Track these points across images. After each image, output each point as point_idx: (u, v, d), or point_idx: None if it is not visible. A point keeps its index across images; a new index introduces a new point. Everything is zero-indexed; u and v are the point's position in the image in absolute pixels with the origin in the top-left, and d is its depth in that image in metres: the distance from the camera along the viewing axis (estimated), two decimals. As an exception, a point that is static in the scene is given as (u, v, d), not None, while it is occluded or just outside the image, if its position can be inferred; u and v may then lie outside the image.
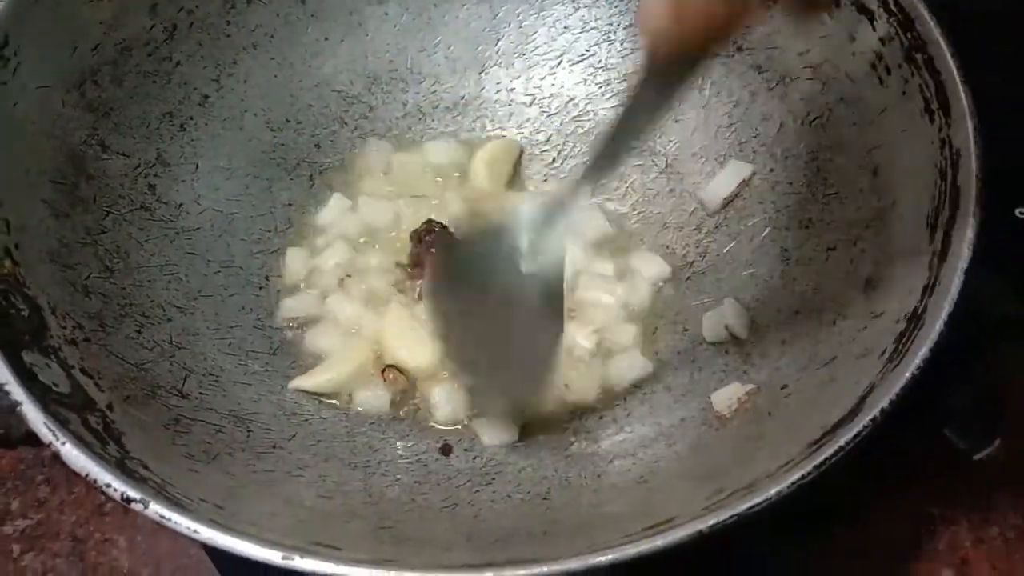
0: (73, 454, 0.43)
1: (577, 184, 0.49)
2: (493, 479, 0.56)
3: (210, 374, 0.58)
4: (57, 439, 0.43)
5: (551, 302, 0.50)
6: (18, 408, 0.43)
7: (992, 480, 0.65)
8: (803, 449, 0.45)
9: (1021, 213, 0.70)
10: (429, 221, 0.66)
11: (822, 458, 0.43)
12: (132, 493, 0.41)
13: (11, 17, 0.55)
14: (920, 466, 0.64)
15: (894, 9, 0.58)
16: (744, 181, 0.68)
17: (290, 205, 0.70)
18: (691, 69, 0.42)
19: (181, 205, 0.65)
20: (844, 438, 0.43)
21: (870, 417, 0.44)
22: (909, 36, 0.57)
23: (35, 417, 0.43)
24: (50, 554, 0.65)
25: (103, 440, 0.45)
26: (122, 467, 0.44)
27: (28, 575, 0.64)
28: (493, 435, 0.59)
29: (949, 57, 0.55)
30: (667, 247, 0.69)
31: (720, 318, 0.64)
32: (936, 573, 0.62)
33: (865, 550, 0.62)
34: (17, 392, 0.44)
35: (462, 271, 0.54)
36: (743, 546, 0.57)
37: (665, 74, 0.42)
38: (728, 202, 0.68)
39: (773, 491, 0.42)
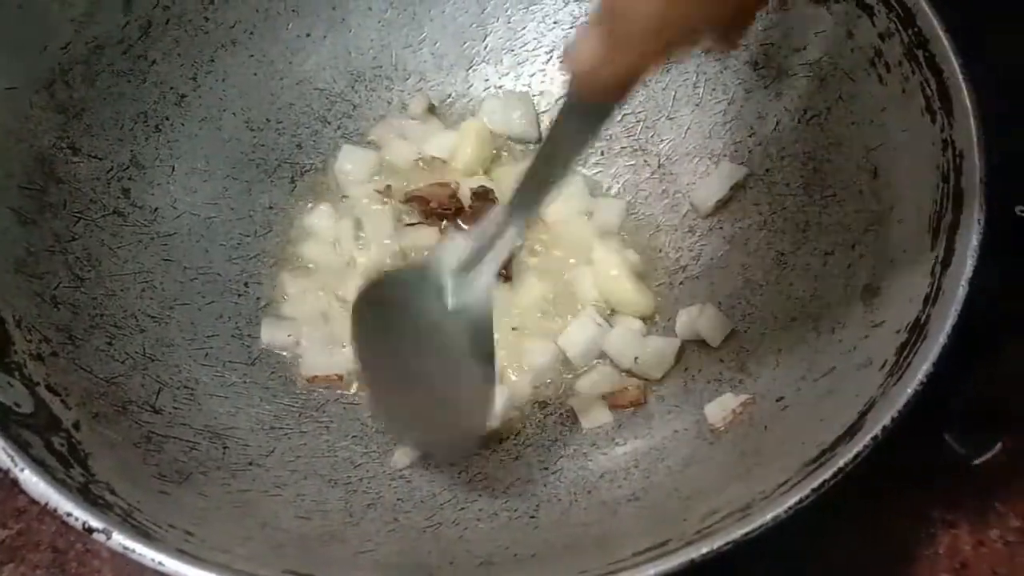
0: (32, 481, 0.41)
1: (500, 222, 0.48)
2: (480, 495, 0.54)
3: (185, 387, 0.56)
4: (16, 465, 0.41)
5: (478, 344, 0.49)
6: (-25, 432, 0.41)
7: (992, 484, 0.65)
8: (800, 468, 0.43)
9: (1021, 211, 0.68)
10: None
11: (820, 481, 0.41)
12: (94, 523, 0.39)
13: (-26, 15, 0.53)
14: (920, 470, 0.63)
15: (894, 4, 0.56)
16: (737, 184, 0.66)
17: (271, 208, 0.68)
18: (615, 105, 0.42)
19: (156, 209, 0.63)
20: (844, 459, 0.41)
21: (871, 436, 0.42)
22: (910, 32, 0.56)
23: (-7, 441, 0.41)
24: (30, 566, 0.63)
25: (67, 463, 0.43)
26: (86, 493, 0.42)
27: (7, 588, 0.63)
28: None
29: (951, 54, 0.53)
30: (659, 250, 0.67)
31: (695, 317, 0.62)
32: (936, 577, 0.61)
33: (865, 554, 0.61)
34: (-27, 415, 0.42)
35: (388, 313, 0.52)
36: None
37: (588, 110, 0.42)
38: (720, 205, 0.67)
39: (769, 516, 0.40)
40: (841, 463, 0.42)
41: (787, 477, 0.43)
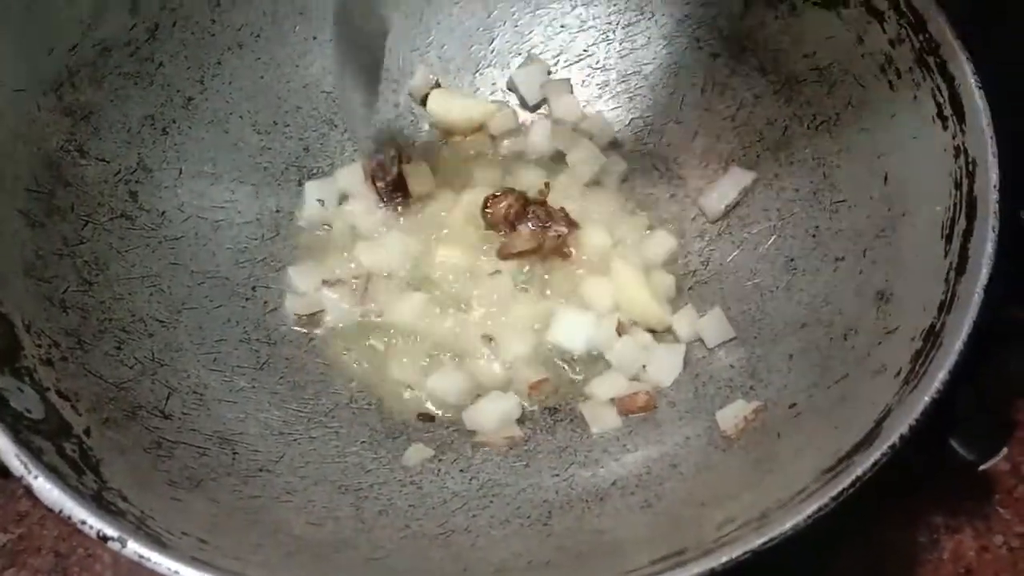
0: (46, 488, 0.40)
1: None
2: (491, 502, 0.54)
3: (194, 392, 0.56)
4: (29, 472, 0.40)
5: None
6: (-12, 438, 0.41)
7: (997, 490, 0.65)
8: (817, 477, 0.43)
9: (1025, 216, 0.68)
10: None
11: (839, 489, 0.41)
12: (109, 531, 0.39)
13: (-18, 17, 0.53)
14: (925, 476, 0.63)
15: (905, 10, 0.56)
16: (745, 189, 0.66)
17: (278, 211, 0.68)
18: None
19: (164, 213, 0.63)
20: (862, 467, 0.41)
21: (888, 444, 0.42)
22: (921, 38, 0.56)
23: (6, 448, 0.41)
24: (31, 570, 0.64)
25: (79, 470, 0.43)
26: (99, 500, 0.41)
27: (9, 592, 0.62)
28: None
29: (964, 61, 0.53)
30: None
31: (694, 318, 0.63)
32: (940, 582, 0.61)
33: (870, 559, 0.62)
34: (-14, 421, 0.41)
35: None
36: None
37: None
38: (729, 210, 0.67)
39: (788, 525, 0.40)
40: (859, 471, 0.41)
41: (804, 485, 0.43)
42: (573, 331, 0.62)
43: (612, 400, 0.61)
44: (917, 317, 0.49)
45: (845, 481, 0.41)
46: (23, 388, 0.46)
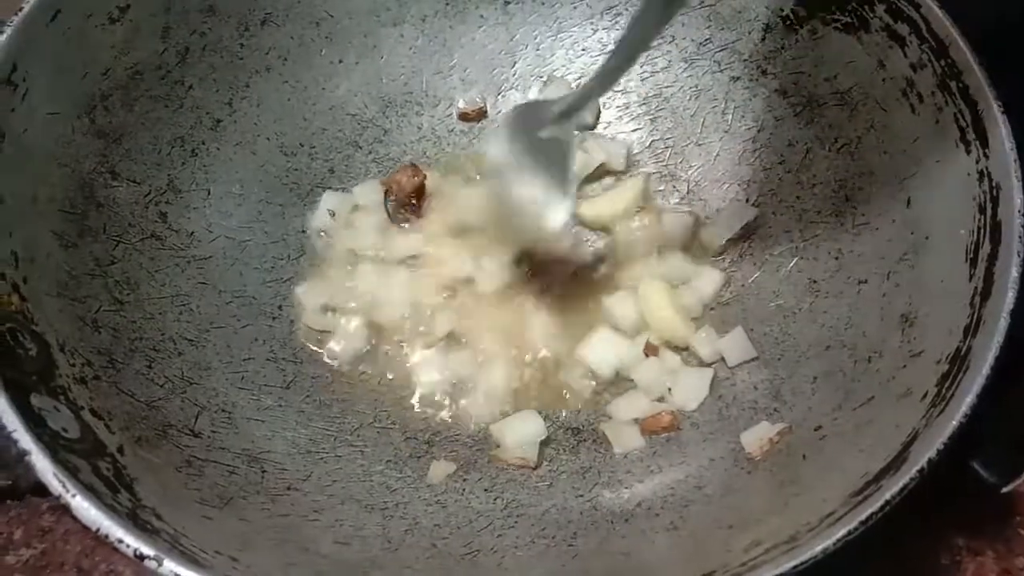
0: (84, 507, 0.41)
1: (584, 93, 0.59)
2: (516, 522, 0.54)
3: (222, 410, 0.56)
4: (67, 491, 0.41)
5: (563, 162, 0.62)
6: (27, 458, 0.42)
7: (1019, 512, 0.64)
8: (845, 500, 0.43)
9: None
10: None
11: (868, 513, 0.41)
12: (146, 549, 0.40)
13: (20, 43, 0.54)
14: (947, 497, 0.63)
15: (927, 35, 0.57)
16: (748, 224, 0.67)
17: (304, 232, 0.69)
18: None
19: (192, 233, 0.63)
20: (890, 491, 0.41)
21: (916, 468, 0.42)
22: (943, 63, 0.56)
23: (44, 467, 0.41)
24: (54, 585, 0.64)
25: (114, 488, 0.44)
26: (135, 519, 0.42)
27: (32, 607, 0.63)
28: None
29: (986, 86, 0.54)
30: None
31: (714, 337, 0.63)
32: (962, 603, 0.61)
33: (891, 580, 0.61)
34: (25, 440, 0.42)
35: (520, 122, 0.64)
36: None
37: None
38: (730, 244, 0.67)
39: (819, 548, 0.40)
40: (888, 496, 0.41)
41: (832, 508, 0.43)
42: (605, 352, 0.63)
43: (635, 420, 0.61)
44: (943, 340, 0.49)
45: (874, 505, 0.41)
46: (59, 407, 0.46)
